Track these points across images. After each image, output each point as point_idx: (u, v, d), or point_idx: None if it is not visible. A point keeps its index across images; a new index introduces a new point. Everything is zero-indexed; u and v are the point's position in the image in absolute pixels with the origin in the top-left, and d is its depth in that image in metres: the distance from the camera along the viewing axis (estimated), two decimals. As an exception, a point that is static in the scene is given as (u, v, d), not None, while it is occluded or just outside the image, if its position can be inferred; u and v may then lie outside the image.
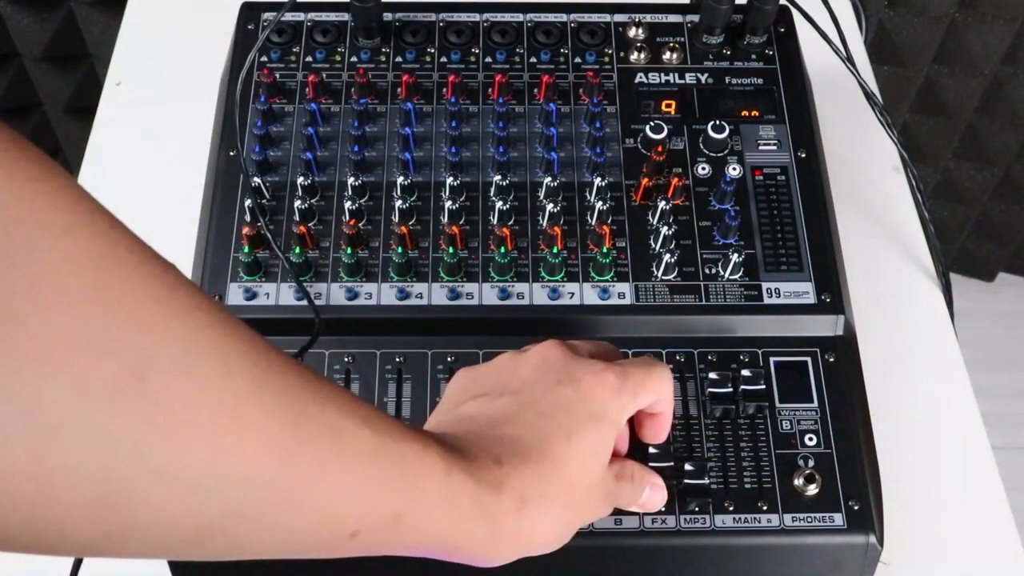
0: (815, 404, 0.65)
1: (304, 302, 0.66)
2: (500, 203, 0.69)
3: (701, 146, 0.74)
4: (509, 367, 0.55)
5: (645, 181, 0.71)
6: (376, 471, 0.42)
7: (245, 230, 0.67)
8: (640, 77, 0.77)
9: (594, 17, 0.80)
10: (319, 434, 0.40)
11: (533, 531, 0.49)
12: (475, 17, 0.79)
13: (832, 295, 0.68)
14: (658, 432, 0.60)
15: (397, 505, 0.43)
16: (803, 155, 0.73)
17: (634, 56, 0.78)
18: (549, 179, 0.70)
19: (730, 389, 0.64)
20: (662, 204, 0.69)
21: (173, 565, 0.61)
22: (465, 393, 0.54)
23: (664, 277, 0.68)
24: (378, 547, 0.44)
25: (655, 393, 0.55)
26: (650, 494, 0.58)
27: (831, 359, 0.67)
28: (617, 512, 0.61)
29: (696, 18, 0.79)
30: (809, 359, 0.67)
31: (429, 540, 0.46)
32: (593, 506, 0.53)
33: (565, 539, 0.52)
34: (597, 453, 0.52)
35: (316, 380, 0.41)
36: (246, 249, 0.67)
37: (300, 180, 0.70)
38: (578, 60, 0.78)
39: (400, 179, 0.70)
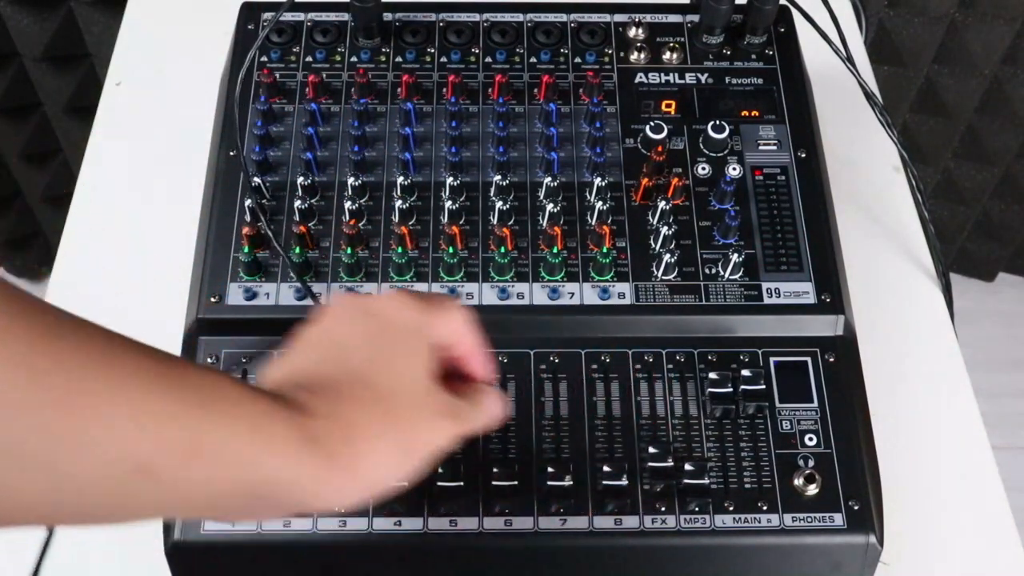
0: (815, 404, 0.65)
1: (305, 302, 0.66)
2: (500, 203, 0.69)
3: (701, 146, 0.74)
4: (307, 329, 0.52)
5: (645, 181, 0.71)
6: (162, 396, 0.38)
7: (245, 230, 0.67)
8: (640, 77, 0.77)
9: (594, 17, 0.80)
10: (81, 358, 0.37)
11: (368, 459, 0.46)
12: (475, 17, 0.79)
13: (832, 295, 0.68)
14: (477, 365, 0.56)
15: (193, 433, 0.39)
16: (803, 155, 0.73)
17: (634, 56, 0.78)
18: (549, 179, 0.70)
19: (730, 389, 0.64)
20: (662, 204, 0.69)
21: (173, 564, 0.61)
22: (273, 367, 0.52)
23: (664, 277, 0.68)
24: (186, 489, 0.40)
25: (448, 309, 0.53)
26: (488, 400, 0.54)
27: (831, 359, 0.67)
28: (616, 512, 0.61)
29: (696, 18, 0.79)
30: (809, 359, 0.67)
31: (247, 476, 0.41)
32: (430, 425, 0.50)
33: (409, 468, 0.48)
34: (409, 364, 0.50)
35: (80, 319, 0.38)
36: (246, 249, 0.67)
37: (300, 180, 0.70)
38: (578, 60, 0.78)
39: (400, 179, 0.70)
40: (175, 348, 0.66)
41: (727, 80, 0.77)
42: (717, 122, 0.73)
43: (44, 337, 0.36)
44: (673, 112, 0.75)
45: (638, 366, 0.66)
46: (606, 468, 0.61)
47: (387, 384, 0.49)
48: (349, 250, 0.67)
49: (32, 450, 0.35)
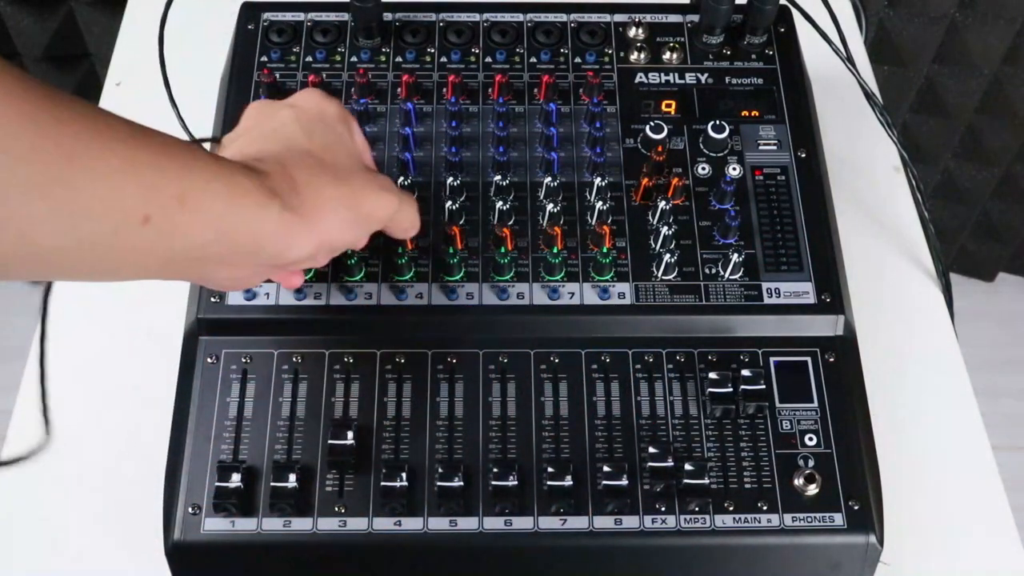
0: (815, 404, 0.65)
1: (305, 302, 0.66)
2: (500, 203, 0.69)
3: (701, 146, 0.74)
4: (236, 130, 0.60)
5: (645, 181, 0.71)
6: (144, 155, 0.45)
7: (245, 230, 0.67)
8: (640, 77, 0.77)
9: (594, 17, 0.80)
10: (76, 119, 0.42)
11: (321, 211, 0.53)
12: (475, 17, 0.79)
13: (832, 295, 0.68)
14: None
15: (179, 183, 0.46)
16: (803, 155, 0.73)
17: (634, 56, 0.78)
18: (549, 179, 0.70)
19: (730, 389, 0.64)
20: (662, 204, 0.69)
21: (173, 564, 0.61)
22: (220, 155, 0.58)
23: (664, 277, 0.68)
24: (181, 236, 0.47)
25: (353, 118, 0.62)
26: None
27: (831, 359, 0.67)
28: (616, 512, 0.61)
29: (696, 18, 0.79)
30: (809, 359, 0.67)
31: (225, 224, 0.48)
32: (375, 195, 0.58)
33: (358, 230, 0.57)
34: (344, 144, 0.58)
35: (65, 93, 0.44)
36: (246, 249, 0.67)
37: (300, 180, 0.70)
38: (578, 60, 0.78)
39: (400, 179, 0.70)
40: (175, 349, 0.66)
41: (727, 80, 0.77)
42: (717, 122, 0.73)
43: (45, 99, 0.41)
44: (673, 112, 0.75)
45: (638, 366, 0.66)
46: (606, 468, 0.61)
47: (330, 158, 0.56)
48: (349, 250, 0.67)
49: (43, 190, 0.41)
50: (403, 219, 0.62)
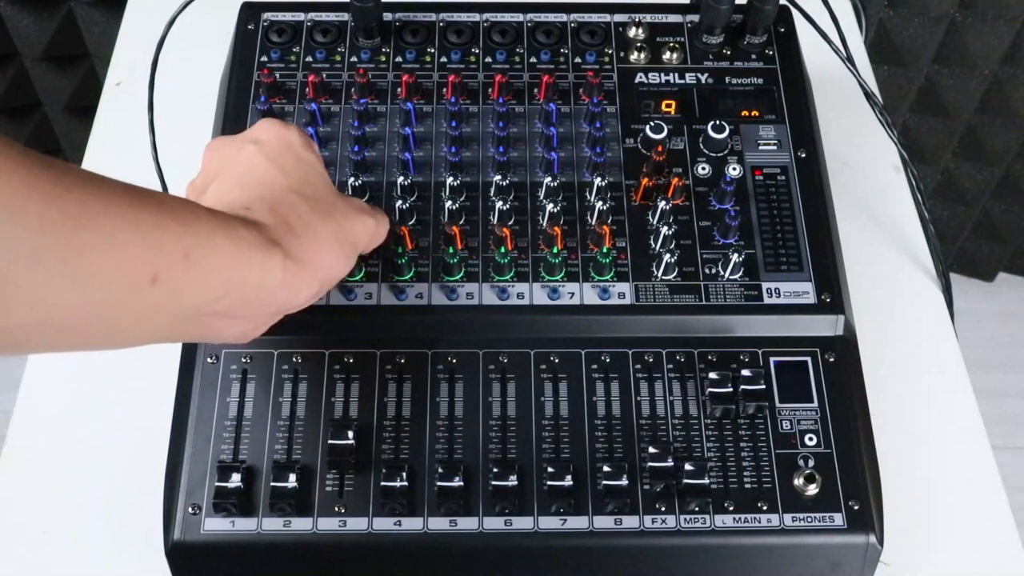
0: (815, 404, 0.65)
1: (304, 302, 0.66)
2: (500, 203, 0.69)
3: (701, 146, 0.74)
4: (203, 174, 0.59)
5: (645, 181, 0.71)
6: (146, 215, 0.45)
7: (245, 230, 0.67)
8: (640, 77, 0.77)
9: (594, 17, 0.80)
10: (80, 185, 0.43)
11: (317, 253, 0.54)
12: (475, 17, 0.79)
13: (832, 295, 0.68)
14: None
15: (183, 241, 0.46)
16: (803, 155, 0.73)
17: (634, 56, 0.78)
18: (549, 179, 0.70)
19: (730, 389, 0.64)
20: (662, 204, 0.69)
21: (173, 564, 0.61)
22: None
23: (664, 277, 0.68)
24: (186, 291, 0.47)
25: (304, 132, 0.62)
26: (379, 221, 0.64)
27: (831, 359, 0.67)
28: (616, 512, 0.61)
29: (696, 18, 0.79)
30: (809, 359, 0.67)
31: (229, 277, 0.49)
32: (357, 221, 0.59)
33: (349, 261, 0.58)
34: (318, 174, 0.59)
35: (64, 163, 0.44)
36: (246, 249, 0.67)
37: (300, 180, 0.70)
38: (578, 60, 0.78)
39: (400, 179, 0.70)
40: (175, 348, 0.66)
41: (727, 80, 0.77)
42: (717, 122, 0.73)
43: (45, 169, 0.42)
44: (673, 112, 0.75)
45: (638, 366, 0.66)
46: (606, 468, 0.62)
47: (311, 192, 0.56)
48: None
49: (51, 258, 0.41)
50: (378, 236, 0.63)
